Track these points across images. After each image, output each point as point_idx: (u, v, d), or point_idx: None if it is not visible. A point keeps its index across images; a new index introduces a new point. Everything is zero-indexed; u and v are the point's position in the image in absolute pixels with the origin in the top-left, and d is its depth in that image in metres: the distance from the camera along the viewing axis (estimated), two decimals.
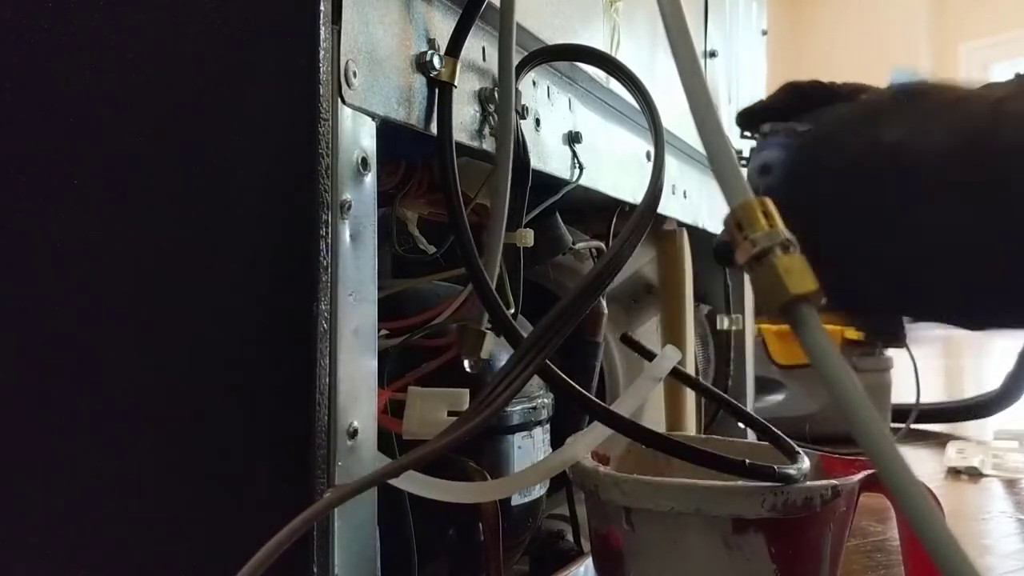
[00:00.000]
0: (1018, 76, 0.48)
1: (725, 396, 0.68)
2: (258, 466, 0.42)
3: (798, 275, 0.33)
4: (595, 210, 0.92)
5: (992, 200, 0.43)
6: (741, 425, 0.77)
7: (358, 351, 0.44)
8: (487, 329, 0.54)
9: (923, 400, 1.73)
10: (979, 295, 0.47)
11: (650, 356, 0.66)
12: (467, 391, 0.51)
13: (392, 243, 0.65)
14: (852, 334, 1.83)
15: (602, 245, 0.89)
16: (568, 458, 0.53)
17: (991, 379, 1.92)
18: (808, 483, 0.50)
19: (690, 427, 1.02)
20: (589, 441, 0.54)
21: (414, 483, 0.47)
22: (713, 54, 1.15)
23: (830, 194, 0.49)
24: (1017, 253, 0.43)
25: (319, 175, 0.41)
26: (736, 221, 0.34)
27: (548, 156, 0.66)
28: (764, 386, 1.73)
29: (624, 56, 0.77)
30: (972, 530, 1.14)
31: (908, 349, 1.79)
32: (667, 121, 0.63)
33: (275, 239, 0.42)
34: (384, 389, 0.48)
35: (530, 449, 0.65)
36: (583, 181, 0.71)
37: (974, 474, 1.48)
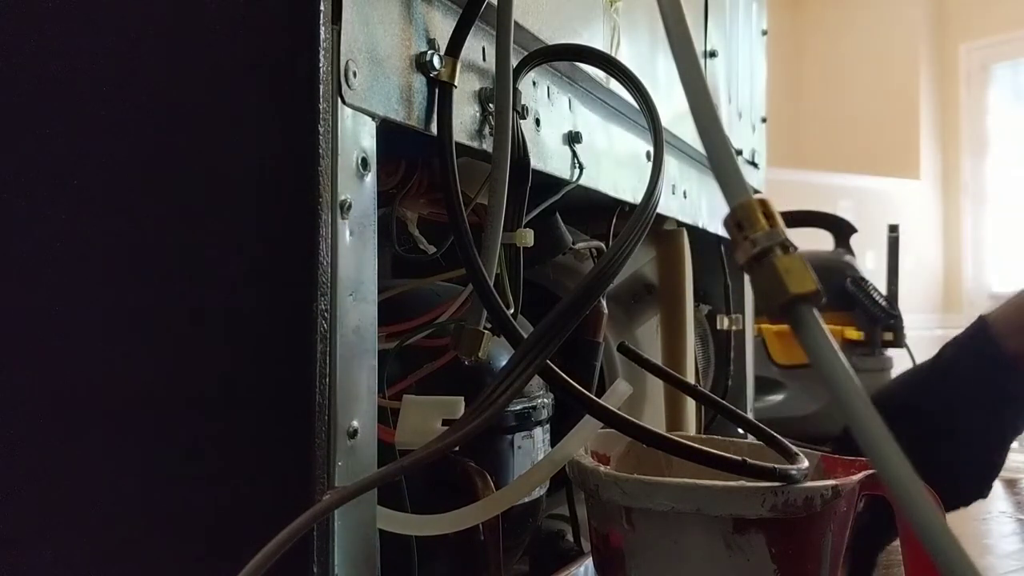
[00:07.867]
0: None
1: (722, 401, 0.68)
2: (258, 467, 0.42)
3: (798, 275, 0.32)
4: (595, 210, 0.92)
5: None
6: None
7: (358, 351, 0.44)
8: (486, 329, 0.54)
9: None
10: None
11: (646, 364, 0.66)
12: (461, 399, 0.51)
13: (392, 243, 0.65)
14: (852, 334, 1.84)
15: (602, 245, 0.89)
16: (561, 457, 0.53)
17: None
18: (809, 483, 0.50)
19: (690, 427, 1.02)
20: (581, 437, 0.53)
21: (412, 525, 0.47)
22: (713, 54, 1.15)
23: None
24: None
25: (319, 175, 0.41)
26: (736, 221, 0.34)
27: (548, 156, 0.66)
28: (764, 386, 1.73)
29: (624, 56, 0.77)
30: (972, 530, 1.14)
31: (908, 349, 1.80)
32: (667, 121, 0.63)
33: (275, 239, 0.42)
34: (379, 397, 0.47)
35: (530, 449, 0.65)
36: (583, 181, 0.70)
37: None
